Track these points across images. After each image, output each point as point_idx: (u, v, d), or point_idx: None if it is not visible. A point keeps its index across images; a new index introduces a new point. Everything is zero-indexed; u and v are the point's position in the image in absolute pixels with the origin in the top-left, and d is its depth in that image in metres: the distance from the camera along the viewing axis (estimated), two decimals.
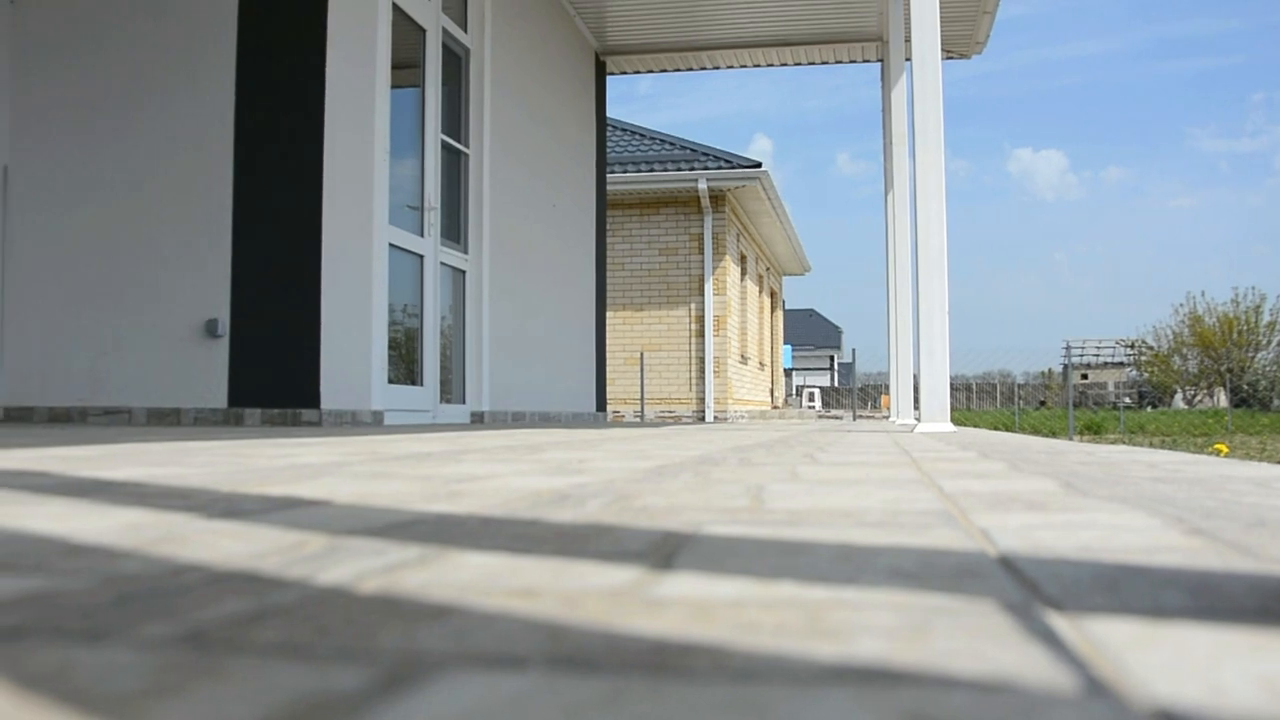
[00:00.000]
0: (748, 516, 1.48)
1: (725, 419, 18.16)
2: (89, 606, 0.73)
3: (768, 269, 25.94)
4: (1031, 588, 0.89)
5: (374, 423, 7.18)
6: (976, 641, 0.69)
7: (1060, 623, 0.75)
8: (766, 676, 0.60)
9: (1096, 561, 1.04)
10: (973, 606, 0.81)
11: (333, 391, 6.73)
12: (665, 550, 1.13)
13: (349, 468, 2.39)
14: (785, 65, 14.38)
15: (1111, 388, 48.34)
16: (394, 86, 7.81)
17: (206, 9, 6.99)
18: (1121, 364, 53.35)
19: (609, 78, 13.95)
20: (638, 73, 14.46)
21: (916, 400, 7.86)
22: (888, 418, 16.00)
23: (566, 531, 1.28)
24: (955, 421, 7.14)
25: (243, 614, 0.72)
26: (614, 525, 1.36)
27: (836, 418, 21.45)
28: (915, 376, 8.10)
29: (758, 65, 14.30)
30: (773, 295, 27.28)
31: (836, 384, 54.51)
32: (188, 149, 6.94)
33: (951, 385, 6.96)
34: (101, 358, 7.03)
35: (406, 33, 8.33)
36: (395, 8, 7.96)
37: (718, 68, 14.37)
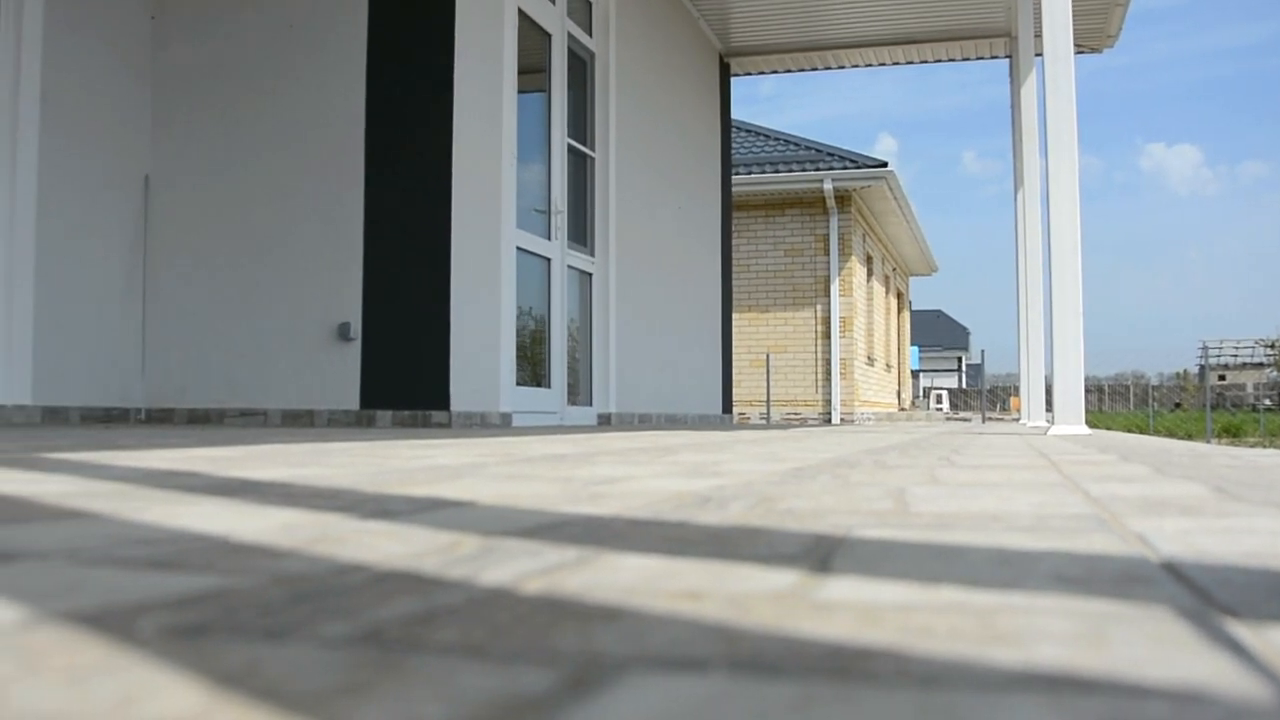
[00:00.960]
0: (894, 520, 1.46)
1: (852, 421, 18.01)
2: (264, 605, 0.74)
3: (894, 269, 25.67)
4: (1203, 595, 0.86)
5: (502, 424, 7.25)
6: (1160, 649, 0.67)
7: (1242, 631, 0.73)
8: (951, 682, 0.59)
9: (1266, 569, 1.00)
10: (1147, 613, 0.79)
11: (462, 393, 6.81)
12: (819, 553, 1.11)
13: (486, 469, 2.40)
14: (910, 63, 14.22)
15: (1250, 389, 46.92)
16: (520, 91, 7.89)
17: (337, 24, 7.12)
18: (1261, 365, 51.76)
19: (733, 79, 13.91)
20: (761, 73, 14.42)
21: (1048, 402, 7.71)
22: (1018, 420, 15.74)
23: (716, 534, 1.27)
24: (1088, 424, 6.98)
25: (415, 614, 0.72)
26: (762, 528, 1.34)
27: (965, 420, 21.15)
28: (1047, 378, 7.95)
29: (882, 64, 14.16)
30: (899, 296, 26.99)
31: (964, 385, 53.73)
32: (320, 158, 7.07)
33: (1084, 387, 6.81)
34: (238, 361, 7.20)
35: (532, 38, 8.40)
36: (521, 13, 8.03)
37: (842, 67, 14.26)
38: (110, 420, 7.14)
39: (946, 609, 0.80)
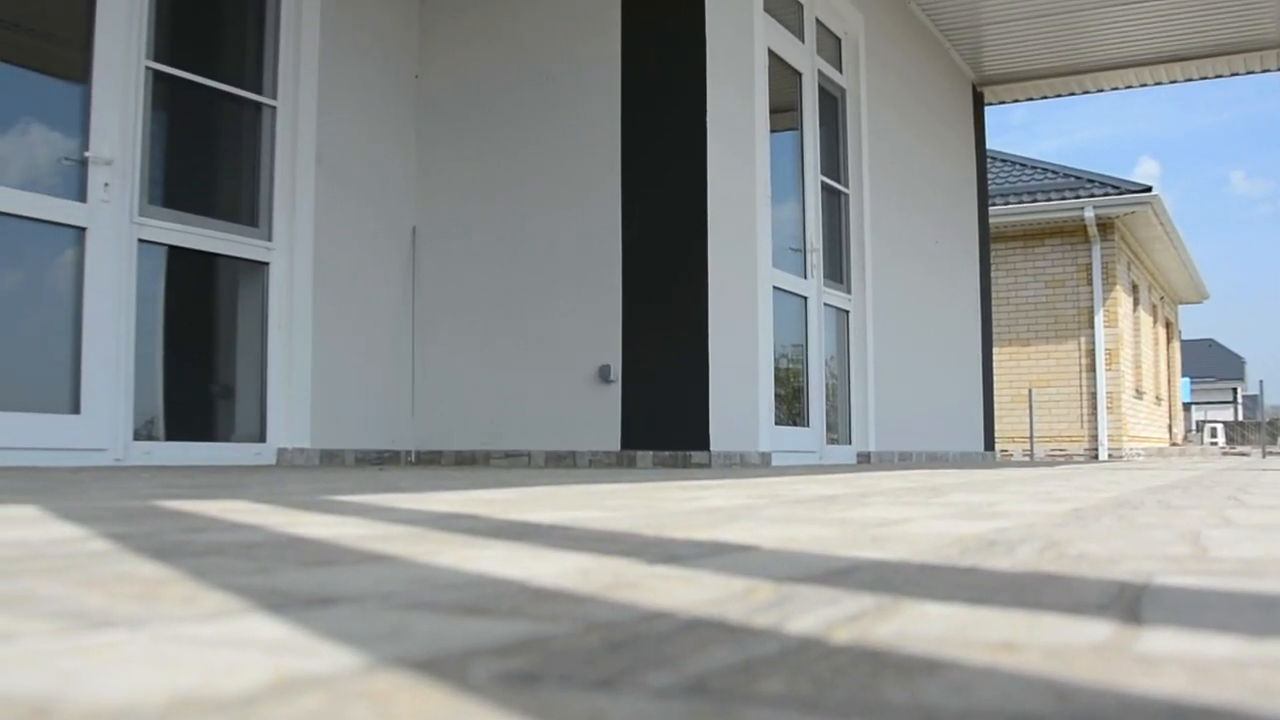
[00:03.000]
0: (1195, 566, 1.39)
1: (1120, 457, 17.32)
2: (584, 653, 0.75)
3: (1161, 298, 24.63)
4: None
5: (762, 464, 7.24)
6: None
7: None
8: None
9: None
10: None
11: (721, 433, 6.83)
12: (1125, 602, 1.07)
13: (759, 511, 2.40)
14: (1174, 82, 13.65)
15: None
16: (772, 130, 7.91)
17: (592, 74, 7.29)
18: None
19: (986, 108, 13.63)
20: (1016, 101, 14.08)
21: None
22: None
23: (1012, 581, 1.23)
24: None
25: (734, 664, 0.72)
26: (1058, 574, 1.30)
27: (1243, 455, 20.08)
28: None
29: (1143, 84, 13.64)
30: (1168, 325, 25.88)
31: (1241, 418, 51.06)
32: (578, 205, 7.24)
33: None
34: (503, 404, 7.40)
35: (783, 77, 8.42)
36: (771, 53, 8.07)
37: (1101, 90, 13.81)
38: (383, 462, 7.43)
39: None
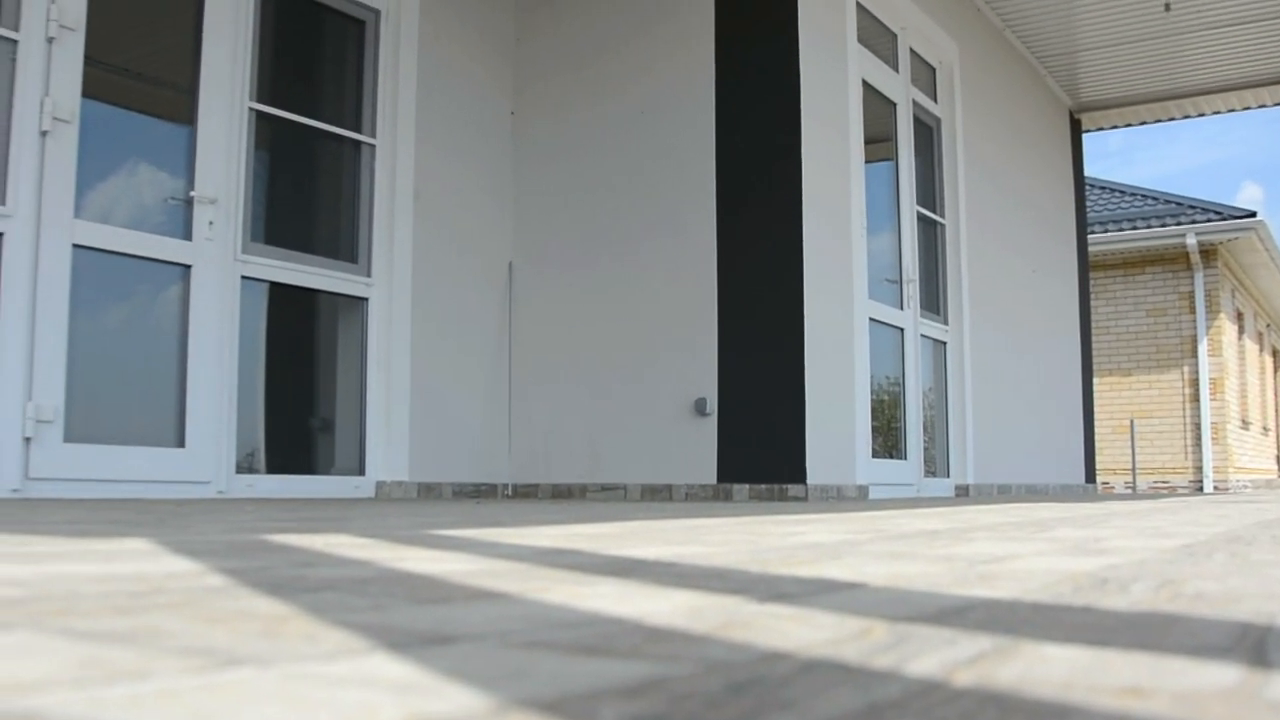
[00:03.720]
0: None
1: (1226, 489, 16.94)
2: (707, 695, 0.75)
3: (1268, 325, 24.09)
4: None
5: (859, 497, 7.18)
6: None
7: None
8: None
9: None
10: None
11: (818, 466, 6.79)
12: (1250, 644, 1.05)
13: (861, 547, 2.38)
14: (1277, 105, 13.38)
15: None
16: (867, 161, 7.89)
17: (685, 106, 7.32)
18: None
19: (1083, 135, 13.46)
20: (1114, 127, 13.88)
21: None
22: None
23: (1129, 621, 1.21)
24: None
25: (857, 707, 0.72)
26: (1176, 614, 1.27)
27: None
28: None
29: (1245, 107, 13.37)
30: (1274, 354, 25.29)
31: None
32: (673, 237, 7.26)
33: None
34: (598, 437, 7.43)
35: (877, 107, 8.39)
36: (865, 84, 8.05)
37: (1200, 114, 13.57)
38: (479, 495, 7.48)
39: None
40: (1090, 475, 12.51)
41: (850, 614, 1.22)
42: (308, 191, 7.46)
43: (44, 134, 5.58)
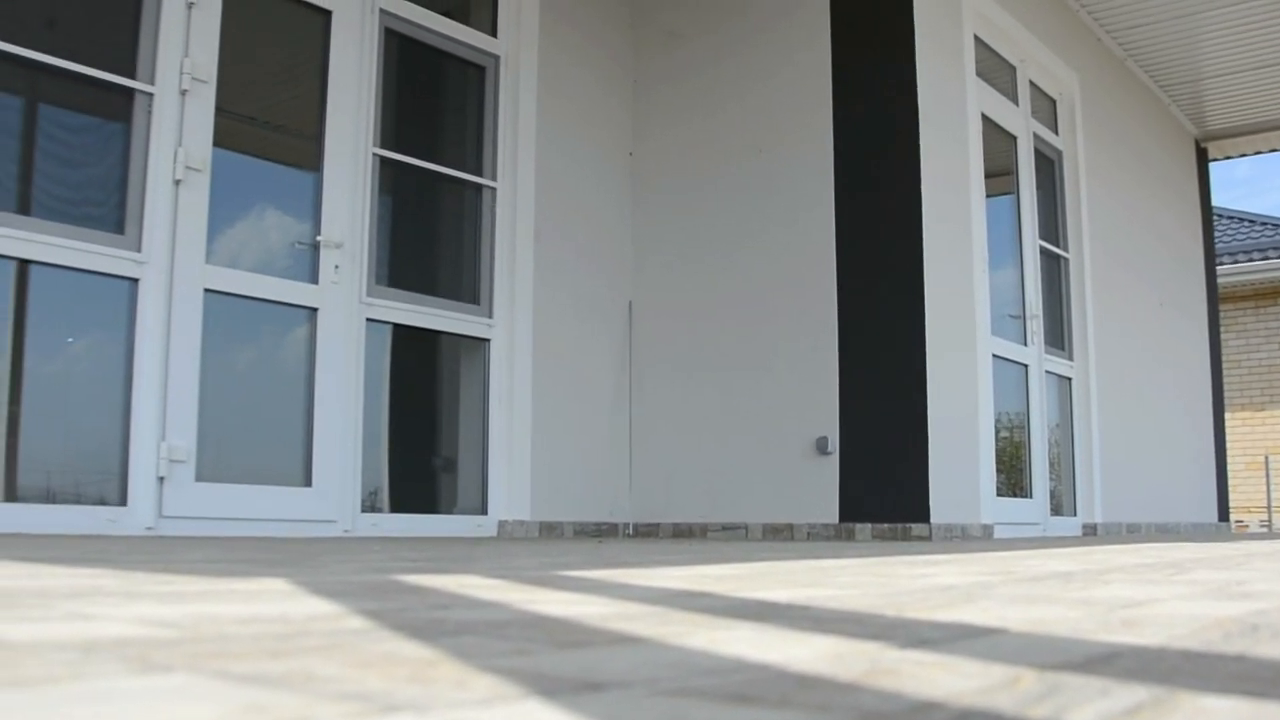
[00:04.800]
0: None
1: None
2: None
3: None
4: None
5: (983, 536, 7.07)
6: None
7: None
8: None
9: None
10: None
11: (941, 505, 6.70)
12: None
13: (994, 589, 2.34)
14: None
15: None
16: (987, 195, 7.81)
17: (803, 144, 7.32)
18: None
19: (1210, 164, 13.17)
20: (1242, 155, 13.56)
21: None
22: None
23: None
24: None
25: None
26: None
27: None
28: None
29: None
30: None
31: None
32: (793, 276, 7.24)
33: None
34: (719, 476, 7.41)
35: (996, 141, 8.31)
36: (985, 118, 7.97)
37: None
38: (601, 535, 7.50)
39: None
40: (1223, 513, 12.18)
41: (996, 661, 1.20)
42: (430, 234, 7.59)
43: (177, 183, 5.75)
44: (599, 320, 7.80)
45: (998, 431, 7.70)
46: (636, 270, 7.99)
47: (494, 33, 7.51)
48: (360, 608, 1.72)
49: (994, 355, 7.62)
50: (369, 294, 6.59)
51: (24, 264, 5.33)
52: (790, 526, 7.05)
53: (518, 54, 7.49)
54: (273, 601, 1.83)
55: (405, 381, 7.17)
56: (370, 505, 6.61)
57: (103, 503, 5.49)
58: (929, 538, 6.57)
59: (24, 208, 5.42)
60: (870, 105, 7.19)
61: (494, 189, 7.34)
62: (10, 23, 5.38)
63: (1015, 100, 8.64)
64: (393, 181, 7.01)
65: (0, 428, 5.29)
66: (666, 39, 8.12)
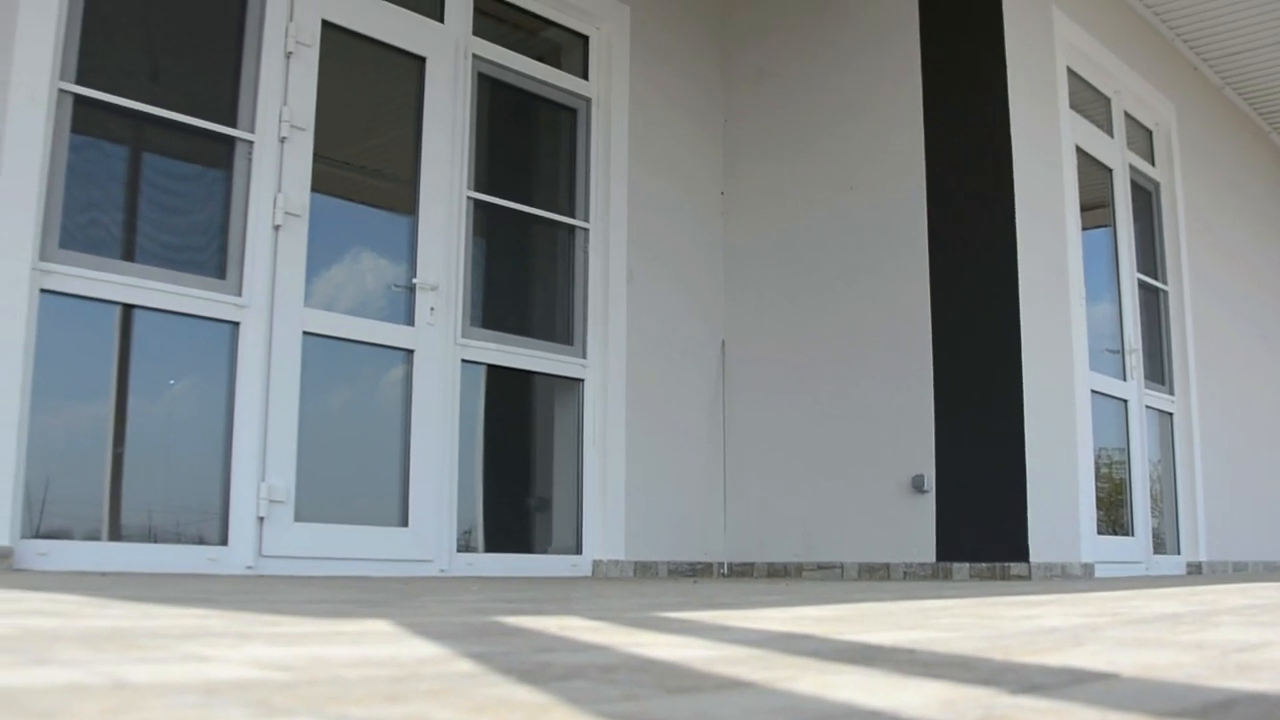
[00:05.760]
0: None
1: None
2: None
3: None
4: None
5: (1084, 575, 6.95)
6: None
7: None
8: None
9: None
10: None
11: (1040, 544, 6.60)
12: None
13: (1101, 632, 2.30)
14: None
15: None
16: (1083, 228, 7.72)
17: (896, 180, 7.28)
18: None
19: None
20: None
21: None
22: None
23: None
24: None
25: None
26: None
27: None
28: None
29: None
30: None
31: None
32: (886, 312, 7.20)
33: None
34: (814, 515, 7.36)
35: (1092, 173, 8.21)
36: (1079, 150, 7.89)
37: None
38: (695, 574, 7.48)
39: None
40: None
41: (1111, 708, 1.18)
42: (523, 276, 7.65)
43: (276, 228, 5.87)
44: (692, 359, 7.80)
45: (1097, 468, 7.57)
46: (729, 308, 7.99)
47: (585, 75, 7.59)
48: (467, 650, 1.74)
49: (1092, 390, 7.51)
50: (464, 335, 6.66)
51: (128, 308, 5.46)
52: (886, 566, 6.98)
53: (609, 96, 7.55)
54: (380, 644, 1.86)
55: (500, 421, 7.22)
56: (465, 545, 6.65)
57: (203, 542, 5.59)
58: (1028, 577, 6.47)
59: (128, 254, 5.55)
60: (963, 139, 7.14)
61: (586, 229, 7.39)
62: (117, 77, 5.54)
63: (1110, 132, 8.54)
64: (486, 224, 7.08)
65: (105, 468, 5.42)
66: (756, 76, 8.14)
